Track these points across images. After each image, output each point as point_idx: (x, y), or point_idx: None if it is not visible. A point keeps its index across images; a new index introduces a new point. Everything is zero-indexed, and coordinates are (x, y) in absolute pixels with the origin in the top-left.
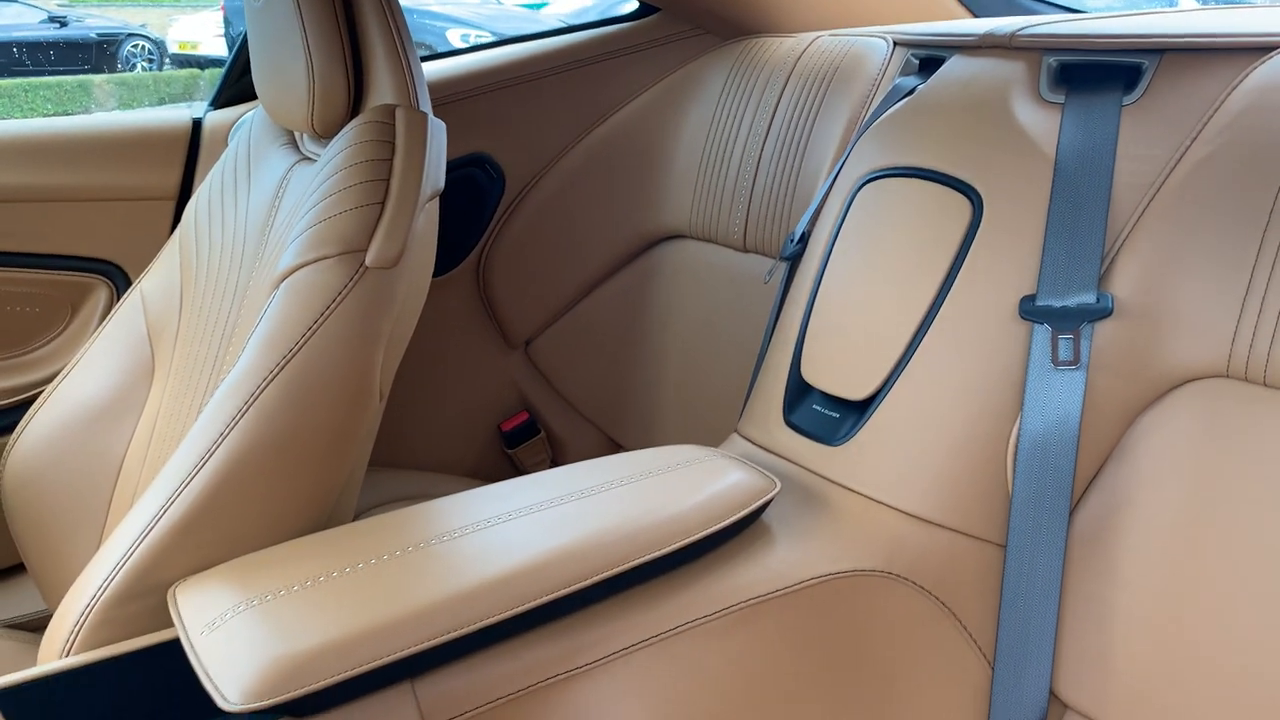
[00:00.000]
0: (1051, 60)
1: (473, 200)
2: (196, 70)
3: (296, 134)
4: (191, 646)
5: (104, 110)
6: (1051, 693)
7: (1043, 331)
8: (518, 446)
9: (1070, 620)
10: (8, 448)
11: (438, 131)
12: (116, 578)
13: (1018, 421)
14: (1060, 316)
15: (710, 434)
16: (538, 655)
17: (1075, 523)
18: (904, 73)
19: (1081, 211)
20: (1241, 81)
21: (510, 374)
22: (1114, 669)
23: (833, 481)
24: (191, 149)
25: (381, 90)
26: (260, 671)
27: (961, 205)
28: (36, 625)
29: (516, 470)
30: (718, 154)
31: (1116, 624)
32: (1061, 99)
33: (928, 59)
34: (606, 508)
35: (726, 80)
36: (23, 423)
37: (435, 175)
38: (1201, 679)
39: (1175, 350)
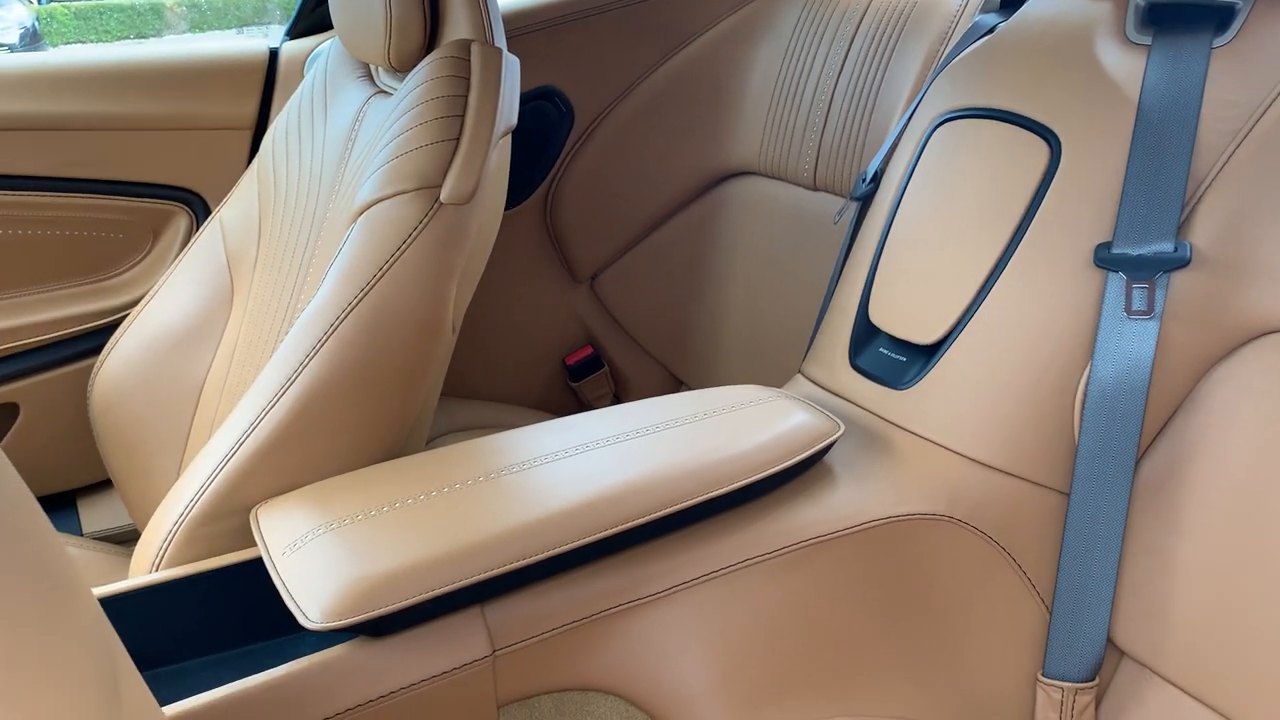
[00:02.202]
0: None
1: (541, 134)
2: None
3: (372, 67)
4: (274, 566)
5: (174, 32)
6: (1109, 639)
7: (1117, 280)
8: (581, 380)
9: (1131, 569)
10: (96, 369)
11: (512, 68)
12: (202, 498)
13: (1087, 370)
14: (1136, 265)
15: (773, 373)
16: (603, 585)
17: (1141, 472)
18: (984, 9)
19: (1163, 158)
20: None
21: (575, 308)
22: (1173, 619)
23: (896, 425)
24: (268, 79)
25: (457, 24)
26: (339, 592)
27: (1039, 149)
28: (123, 538)
29: (580, 403)
30: (790, 89)
31: (1178, 574)
32: (1148, 40)
33: None
34: (672, 444)
35: (801, 13)
36: (109, 345)
37: (509, 112)
38: (1261, 633)
39: (1253, 302)
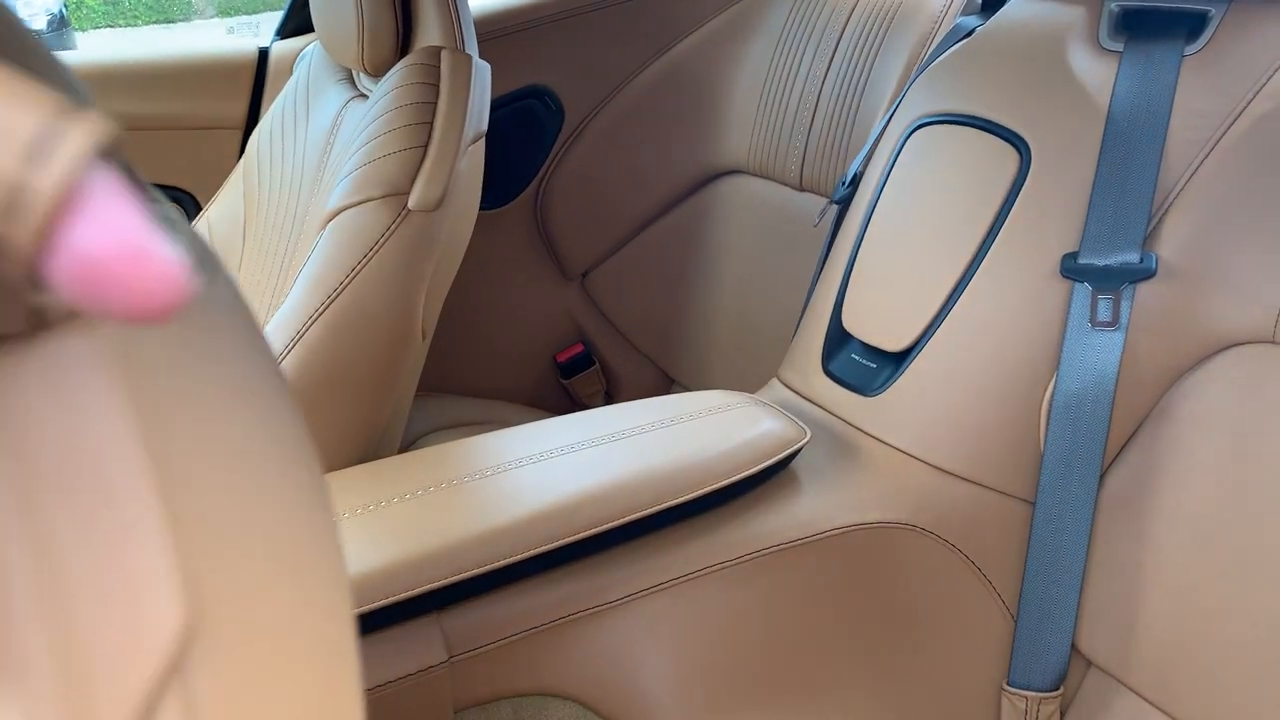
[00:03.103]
0: (1113, 5)
1: (531, 132)
2: None
3: (353, 69)
4: None
5: (202, 18)
6: (1074, 648)
7: (1083, 290)
8: (572, 377)
9: (1098, 579)
10: None
11: (482, 74)
12: None
13: (1053, 380)
14: (1101, 276)
15: (763, 372)
16: (561, 592)
17: (1107, 483)
18: (966, 11)
19: (1131, 167)
20: None
21: (566, 305)
22: (1139, 630)
23: (865, 433)
24: (258, 79)
25: (429, 30)
26: None
27: (1009, 156)
28: None
29: (571, 399)
30: (778, 88)
31: (1144, 585)
32: (1120, 47)
33: None
34: (635, 452)
35: (790, 13)
36: None
37: (479, 118)
38: (1228, 645)
39: (1220, 314)
